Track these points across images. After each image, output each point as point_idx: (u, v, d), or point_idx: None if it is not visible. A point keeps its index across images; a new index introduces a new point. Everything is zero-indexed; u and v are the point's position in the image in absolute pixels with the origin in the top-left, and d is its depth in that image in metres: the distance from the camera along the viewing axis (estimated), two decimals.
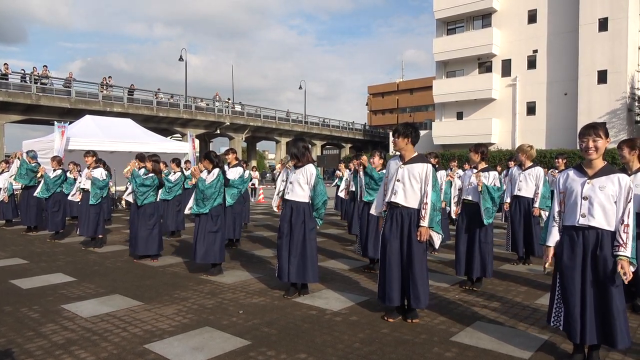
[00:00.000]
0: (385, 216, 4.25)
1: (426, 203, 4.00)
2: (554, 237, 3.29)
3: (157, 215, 7.06)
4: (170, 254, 7.44)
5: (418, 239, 3.98)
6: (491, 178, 5.26)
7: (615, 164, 3.13)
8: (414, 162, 4.11)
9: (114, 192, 14.01)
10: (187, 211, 6.13)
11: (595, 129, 3.12)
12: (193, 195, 5.98)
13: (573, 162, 14.98)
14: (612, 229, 3.05)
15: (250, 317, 4.25)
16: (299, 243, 4.81)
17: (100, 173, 8.07)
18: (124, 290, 5.18)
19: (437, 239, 4.10)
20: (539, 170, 6.54)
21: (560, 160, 8.39)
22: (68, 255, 7.39)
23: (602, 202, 3.05)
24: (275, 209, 5.27)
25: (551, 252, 3.30)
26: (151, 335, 3.81)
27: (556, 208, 3.32)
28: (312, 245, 4.87)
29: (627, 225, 3.02)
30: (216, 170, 5.96)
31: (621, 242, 3.00)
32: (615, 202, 3.06)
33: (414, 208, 4.08)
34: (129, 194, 7.20)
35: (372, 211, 4.58)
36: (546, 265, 3.34)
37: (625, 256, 2.97)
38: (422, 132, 31.58)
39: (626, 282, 2.99)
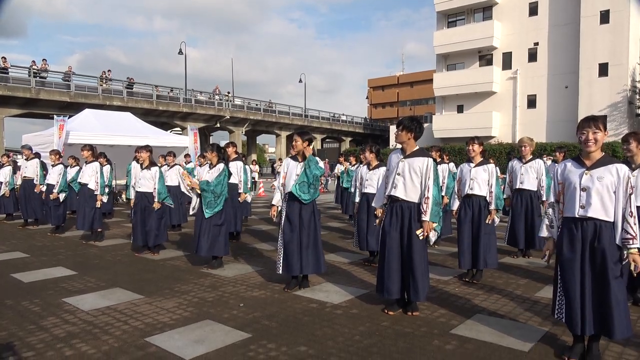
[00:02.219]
0: (386, 209, 4.26)
1: (428, 197, 3.99)
2: (543, 230, 3.34)
3: (163, 205, 7.04)
4: (171, 247, 7.45)
5: (419, 234, 3.97)
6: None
7: (615, 157, 3.10)
8: (414, 156, 4.10)
9: (114, 185, 14.00)
10: (191, 212, 5.97)
11: (594, 121, 3.11)
12: (199, 199, 5.82)
13: (573, 155, 14.95)
14: (611, 220, 3.04)
15: (251, 310, 4.26)
16: (310, 235, 4.87)
17: (91, 171, 8.01)
18: (124, 284, 5.19)
19: (433, 235, 4.10)
20: (539, 163, 6.54)
21: (559, 153, 8.39)
22: (69, 249, 7.40)
23: (601, 192, 3.04)
24: (272, 215, 5.09)
25: (550, 243, 3.32)
26: (152, 328, 3.82)
27: (551, 198, 3.33)
28: (319, 236, 4.98)
29: (634, 215, 2.98)
30: (221, 165, 5.89)
31: (632, 235, 2.96)
32: (615, 193, 3.03)
33: (414, 202, 4.08)
34: (133, 185, 7.09)
35: (373, 204, 4.60)
36: (545, 258, 3.35)
37: (637, 248, 2.94)
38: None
39: (635, 275, 2.97)
